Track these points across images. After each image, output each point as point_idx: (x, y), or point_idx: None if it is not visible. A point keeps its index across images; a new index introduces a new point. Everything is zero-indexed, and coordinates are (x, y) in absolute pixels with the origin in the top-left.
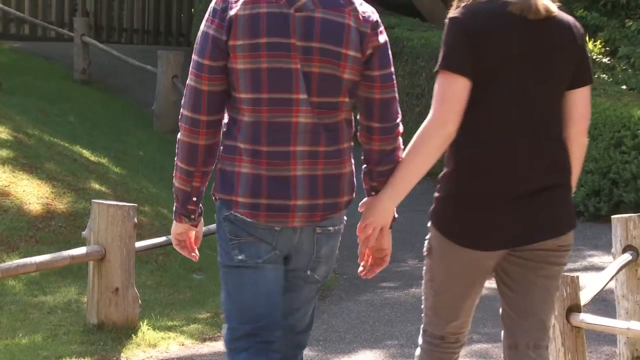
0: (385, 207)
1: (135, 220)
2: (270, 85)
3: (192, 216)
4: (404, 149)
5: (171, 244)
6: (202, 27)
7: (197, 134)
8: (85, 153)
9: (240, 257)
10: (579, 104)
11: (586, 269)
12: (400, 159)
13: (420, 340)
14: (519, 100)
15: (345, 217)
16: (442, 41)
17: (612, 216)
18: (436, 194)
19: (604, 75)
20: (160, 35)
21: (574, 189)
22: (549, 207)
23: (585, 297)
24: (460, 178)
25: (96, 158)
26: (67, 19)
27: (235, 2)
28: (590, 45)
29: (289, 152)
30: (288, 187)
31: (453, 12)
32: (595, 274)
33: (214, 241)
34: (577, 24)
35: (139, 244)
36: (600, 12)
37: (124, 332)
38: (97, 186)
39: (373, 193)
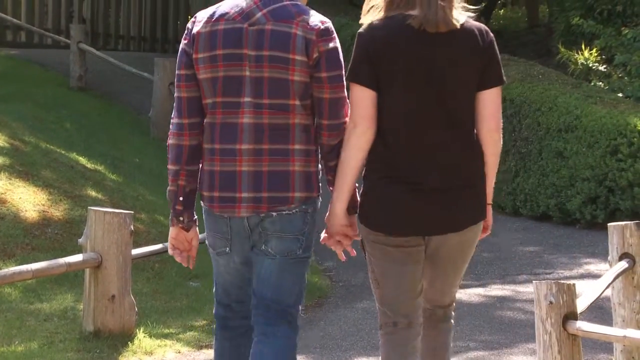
0: (336, 211)
1: (132, 227)
2: (224, 91)
3: (181, 218)
4: None
5: (167, 251)
6: (182, 44)
7: (181, 135)
8: (82, 160)
9: (210, 246)
10: (488, 104)
11: (583, 276)
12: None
13: (379, 334)
14: (420, 107)
15: (313, 207)
16: (353, 54)
17: (609, 224)
18: (360, 202)
19: (600, 83)
20: (157, 42)
21: (491, 184)
22: (454, 205)
23: (581, 305)
24: (373, 174)
25: (92, 165)
26: (63, 26)
27: (200, 21)
28: (586, 53)
29: (235, 150)
30: (234, 181)
31: (361, 29)
32: (592, 281)
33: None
34: (485, 32)
35: (136, 252)
36: (597, 20)
37: (120, 340)
38: (93, 193)
39: (330, 188)
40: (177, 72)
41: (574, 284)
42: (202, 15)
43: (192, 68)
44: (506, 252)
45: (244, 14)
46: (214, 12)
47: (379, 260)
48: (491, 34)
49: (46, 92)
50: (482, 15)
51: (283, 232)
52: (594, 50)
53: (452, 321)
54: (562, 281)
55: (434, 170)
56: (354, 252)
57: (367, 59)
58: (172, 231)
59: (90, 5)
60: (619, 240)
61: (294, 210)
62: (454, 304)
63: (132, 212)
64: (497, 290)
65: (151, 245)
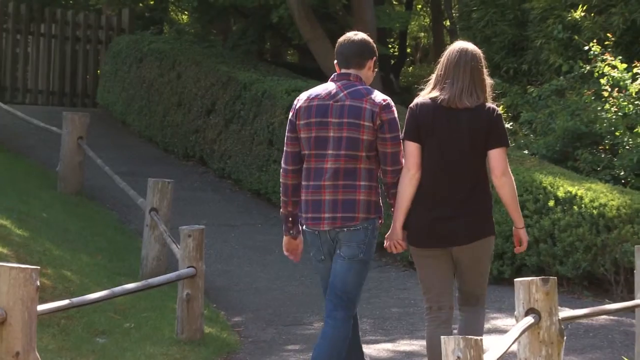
0: (396, 228)
1: (38, 283)
2: (315, 146)
3: (291, 231)
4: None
5: (74, 307)
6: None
7: (287, 177)
8: None
9: (312, 254)
10: (492, 160)
11: (489, 331)
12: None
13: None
14: (446, 159)
15: (372, 225)
16: (406, 118)
17: (515, 279)
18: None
19: None
20: (65, 97)
21: (514, 210)
22: (462, 224)
23: None
24: (415, 204)
25: None
26: None
27: (302, 99)
28: None
29: (321, 185)
30: (320, 206)
31: (412, 104)
32: (499, 336)
33: (119, 303)
34: (492, 110)
35: (41, 307)
36: (503, 79)
37: None
38: None
39: (392, 209)
40: (286, 134)
41: (481, 339)
42: (304, 96)
43: (295, 132)
44: (415, 307)
45: (331, 95)
46: (311, 93)
47: (419, 265)
48: (498, 111)
49: None
50: (392, 72)
51: (350, 241)
52: (500, 107)
53: (484, 306)
54: (469, 336)
55: (451, 204)
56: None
57: (416, 126)
58: (285, 240)
59: None
60: (525, 295)
61: (358, 227)
62: (485, 294)
63: (39, 267)
64: (405, 345)
65: (58, 301)
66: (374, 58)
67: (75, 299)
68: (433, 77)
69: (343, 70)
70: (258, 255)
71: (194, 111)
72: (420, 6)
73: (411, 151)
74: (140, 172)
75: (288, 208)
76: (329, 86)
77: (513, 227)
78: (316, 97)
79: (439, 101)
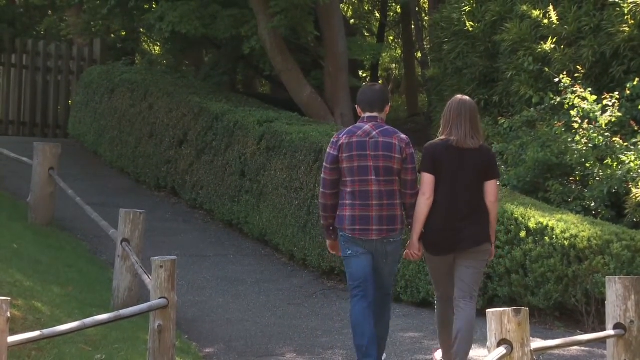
0: (413, 240)
1: (8, 314)
2: (359, 173)
3: (332, 236)
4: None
5: (45, 338)
6: (328, 149)
7: (326, 198)
8: None
9: (349, 252)
10: (488, 188)
11: None
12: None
13: (435, 302)
14: (454, 186)
15: (402, 233)
16: (422, 155)
17: (487, 310)
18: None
19: None
20: (36, 127)
21: (494, 229)
22: (468, 234)
23: None
24: (427, 223)
25: None
26: None
27: (343, 137)
28: None
29: (368, 204)
30: (369, 220)
31: (427, 144)
32: None
33: (90, 335)
34: (489, 151)
35: (12, 339)
36: None
37: None
38: None
39: (409, 227)
40: (325, 165)
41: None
42: (343, 134)
43: (336, 163)
44: (390, 336)
45: (366, 133)
46: (350, 131)
47: (431, 266)
48: (492, 151)
49: None
50: None
51: (393, 248)
52: None
53: (473, 303)
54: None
55: (456, 221)
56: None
57: (432, 161)
58: (329, 242)
59: None
60: (497, 326)
61: (397, 237)
62: (476, 294)
63: (9, 298)
64: None
65: (28, 332)
66: (389, 104)
67: (46, 331)
68: (441, 124)
69: (369, 114)
70: (230, 286)
71: (166, 142)
72: (392, 38)
73: (427, 181)
74: (112, 203)
75: (329, 221)
76: (362, 126)
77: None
78: (354, 134)
79: (449, 142)
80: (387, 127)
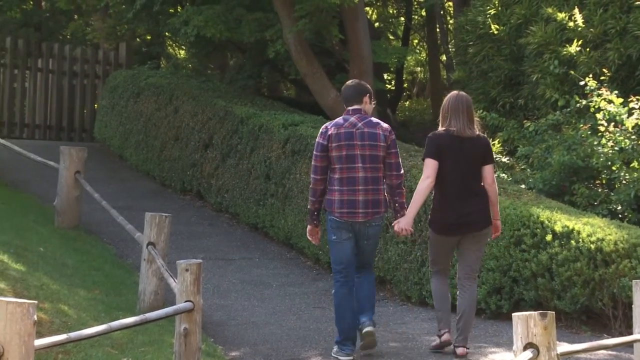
0: (409, 217)
1: (35, 317)
2: (347, 161)
3: (315, 221)
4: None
5: (71, 341)
6: (317, 139)
7: (316, 184)
8: None
9: (334, 237)
10: (486, 172)
11: None
12: (402, 190)
13: (431, 277)
14: (456, 171)
15: (382, 221)
16: (426, 144)
17: (513, 314)
18: (429, 217)
19: (504, 175)
20: (62, 131)
21: (497, 208)
22: (475, 218)
23: None
24: (432, 208)
25: None
26: None
27: (331, 127)
28: None
29: (355, 189)
30: (355, 204)
31: (430, 134)
32: None
33: (117, 338)
34: (485, 139)
35: (39, 342)
36: (499, 113)
37: None
38: None
39: (396, 205)
40: (315, 153)
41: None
42: (332, 124)
43: (326, 151)
44: (413, 341)
45: (352, 124)
46: (337, 123)
47: (436, 245)
48: (488, 140)
49: None
50: (389, 107)
51: (374, 228)
52: (497, 141)
53: (476, 283)
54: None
55: (461, 203)
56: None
57: (435, 148)
58: (309, 228)
59: None
60: (523, 330)
61: (379, 221)
62: (478, 274)
63: (36, 302)
64: None
65: (55, 336)
66: (368, 94)
67: (73, 334)
68: (440, 117)
69: (351, 107)
70: (255, 290)
71: (191, 145)
72: (416, 41)
73: (431, 165)
74: (137, 207)
75: (315, 205)
76: (348, 118)
77: (492, 220)
78: (342, 126)
79: (450, 132)
80: (370, 118)
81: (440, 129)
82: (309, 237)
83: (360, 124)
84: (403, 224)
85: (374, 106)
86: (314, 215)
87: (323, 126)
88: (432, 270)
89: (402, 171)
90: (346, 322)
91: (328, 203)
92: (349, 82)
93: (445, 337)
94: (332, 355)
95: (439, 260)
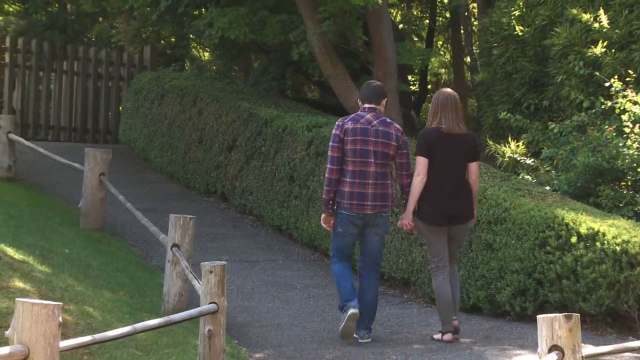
0: (409, 212)
1: (60, 319)
2: (360, 155)
3: (330, 210)
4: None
5: (96, 343)
6: (333, 130)
7: (332, 174)
8: (10, 251)
9: (340, 230)
10: (471, 168)
11: None
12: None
13: (431, 270)
14: (445, 167)
15: (389, 213)
16: (418, 141)
17: (538, 316)
18: (419, 209)
19: (528, 176)
20: (87, 133)
21: (476, 201)
22: (461, 212)
23: None
24: (421, 201)
25: (21, 256)
26: None
27: (349, 122)
28: (512, 146)
29: (365, 183)
30: (365, 197)
31: (421, 131)
32: None
33: (141, 340)
34: (472, 136)
35: (64, 344)
36: (523, 115)
37: None
38: (21, 285)
39: (406, 202)
40: (332, 144)
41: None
42: (348, 119)
43: (341, 143)
44: (438, 344)
45: (368, 121)
46: (354, 118)
47: (429, 235)
48: (475, 137)
49: None
50: (412, 109)
51: (383, 219)
52: (521, 143)
53: (456, 266)
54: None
55: (450, 197)
56: (412, 230)
57: (426, 145)
58: (324, 216)
59: (20, 96)
60: (548, 332)
61: (387, 212)
62: (458, 259)
63: (61, 303)
64: None
65: (80, 337)
66: (386, 99)
67: (98, 335)
68: (430, 115)
69: (368, 105)
70: (279, 291)
71: (215, 147)
72: (440, 43)
73: (423, 162)
74: (162, 208)
75: (330, 194)
76: (364, 115)
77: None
78: (358, 122)
79: (441, 130)
80: (384, 117)
81: (431, 125)
82: (323, 224)
83: (375, 122)
84: (405, 219)
85: (400, 108)
86: (329, 204)
87: (340, 119)
88: (433, 267)
89: (411, 171)
90: (347, 289)
91: (339, 194)
92: (371, 82)
93: (447, 337)
94: (340, 329)
95: (438, 251)
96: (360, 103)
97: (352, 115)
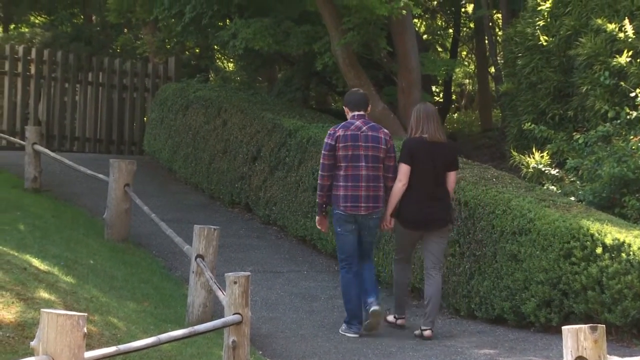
0: (387, 215)
1: (85, 330)
2: (352, 160)
3: (324, 212)
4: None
5: (121, 354)
6: (325, 139)
7: (324, 179)
8: (35, 262)
9: (339, 229)
10: (450, 177)
11: None
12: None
13: (393, 263)
14: (426, 174)
15: (380, 214)
16: (402, 149)
17: (563, 327)
18: (399, 212)
19: (553, 187)
20: (112, 144)
21: (451, 211)
22: (439, 216)
23: None
24: (402, 205)
25: (46, 267)
26: (19, 127)
27: (340, 129)
28: (537, 156)
29: (358, 185)
30: (358, 199)
31: (405, 140)
32: None
33: (166, 350)
34: (453, 146)
35: (88, 354)
36: (548, 125)
37: None
38: (46, 295)
39: (386, 202)
40: (324, 152)
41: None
42: (339, 127)
43: (333, 151)
44: (462, 355)
45: (358, 128)
46: (344, 126)
47: (403, 237)
48: (456, 147)
49: (0, 194)
50: None
51: (374, 220)
52: (546, 154)
53: (441, 273)
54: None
55: (428, 203)
56: (391, 229)
57: (409, 153)
58: (318, 219)
59: (45, 107)
60: (573, 343)
61: (378, 214)
62: (443, 264)
63: (86, 314)
64: None
65: (104, 348)
66: (370, 104)
67: (122, 346)
68: (413, 125)
69: (357, 113)
70: (304, 302)
71: (239, 158)
72: (465, 53)
73: (405, 170)
74: (186, 219)
75: (323, 199)
76: (354, 122)
77: None
78: (348, 128)
79: (423, 139)
80: (373, 123)
81: (414, 135)
82: (318, 226)
83: (364, 128)
84: (383, 222)
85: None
86: (322, 207)
87: (331, 129)
88: (395, 258)
89: (397, 174)
90: (353, 303)
91: (334, 199)
92: (354, 90)
93: (400, 321)
94: (340, 332)
95: (404, 249)
96: (348, 111)
97: (343, 123)
